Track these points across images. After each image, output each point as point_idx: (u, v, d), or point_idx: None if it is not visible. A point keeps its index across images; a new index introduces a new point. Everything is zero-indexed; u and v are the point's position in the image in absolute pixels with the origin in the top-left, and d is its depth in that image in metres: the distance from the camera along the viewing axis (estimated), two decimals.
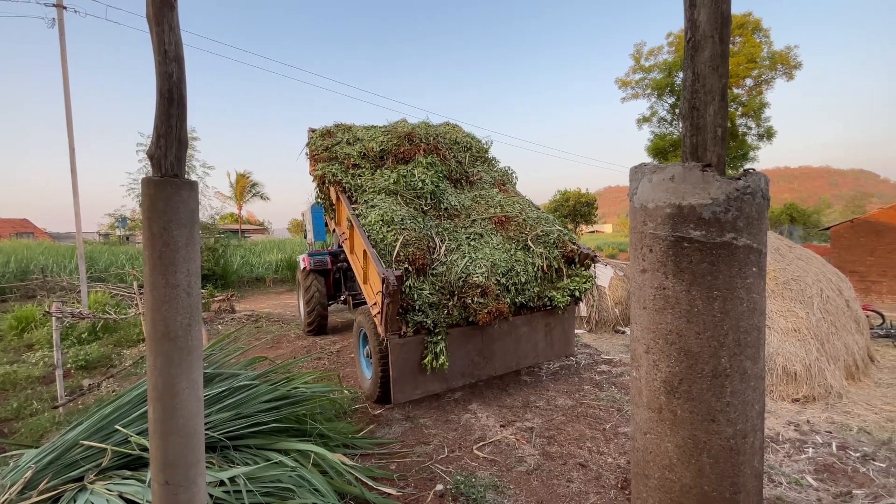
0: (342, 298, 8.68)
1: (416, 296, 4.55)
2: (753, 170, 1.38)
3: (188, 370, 1.98)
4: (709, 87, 1.38)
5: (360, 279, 5.41)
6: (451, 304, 4.69)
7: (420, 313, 4.54)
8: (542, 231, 5.53)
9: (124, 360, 7.10)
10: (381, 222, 5.07)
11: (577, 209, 30.11)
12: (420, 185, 5.76)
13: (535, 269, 5.23)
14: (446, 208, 5.85)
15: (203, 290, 12.60)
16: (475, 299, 4.66)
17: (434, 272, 4.83)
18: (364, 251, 4.95)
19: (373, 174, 6.01)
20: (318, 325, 8.46)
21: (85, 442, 2.98)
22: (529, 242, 5.37)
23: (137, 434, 2.96)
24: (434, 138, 6.52)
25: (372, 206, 5.38)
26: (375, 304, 4.63)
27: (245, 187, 40.51)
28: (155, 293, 1.93)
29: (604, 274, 9.94)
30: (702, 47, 1.38)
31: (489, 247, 5.25)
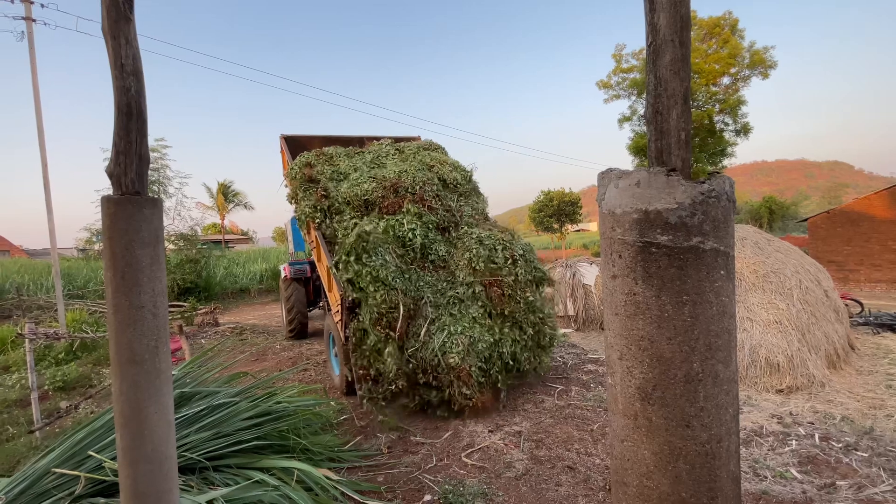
0: (321, 304, 9.33)
1: (389, 368, 4.56)
2: (719, 173, 1.38)
3: (156, 394, 1.91)
4: (671, 91, 1.37)
5: (325, 286, 5.84)
6: (421, 381, 4.71)
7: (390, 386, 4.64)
8: (530, 295, 5.35)
9: (103, 379, 6.92)
10: (371, 279, 4.82)
11: (562, 209, 30.30)
12: (410, 236, 5.56)
13: (527, 338, 5.19)
14: (433, 260, 5.60)
15: (185, 304, 12.36)
16: (455, 386, 4.58)
17: (410, 348, 4.74)
18: (328, 268, 5.38)
19: (360, 220, 5.80)
20: (299, 330, 9.29)
21: (57, 470, 2.87)
22: (519, 317, 5.20)
23: (111, 459, 2.86)
24: (420, 187, 6.19)
25: (360, 262, 5.04)
26: (337, 311, 5.19)
27: (226, 196, 39.97)
28: (118, 316, 1.86)
29: (589, 272, 10.00)
30: (662, 52, 1.37)
31: (468, 318, 4.99)
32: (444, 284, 5.30)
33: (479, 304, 5.16)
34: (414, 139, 8.78)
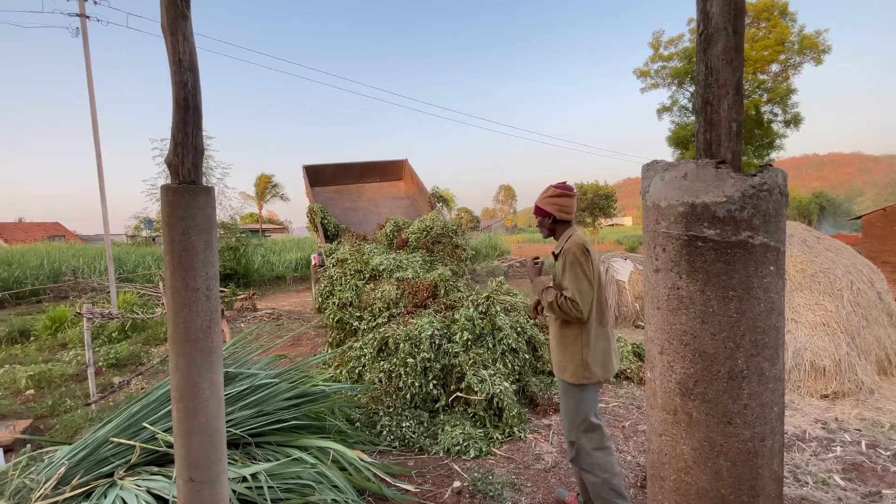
0: None
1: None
2: (771, 165, 1.34)
3: (209, 371, 2.03)
4: (722, 80, 1.34)
5: None
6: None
7: None
8: None
9: (152, 357, 7.33)
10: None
11: (596, 202, 29.61)
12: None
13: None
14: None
15: (225, 289, 12.89)
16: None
17: None
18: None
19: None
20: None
21: (115, 439, 3.09)
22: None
23: (164, 431, 3.05)
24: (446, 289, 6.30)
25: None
26: None
27: (266, 187, 41.16)
28: (176, 297, 1.98)
29: (623, 268, 9.80)
30: (715, 40, 1.34)
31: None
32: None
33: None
34: (401, 162, 10.69)
